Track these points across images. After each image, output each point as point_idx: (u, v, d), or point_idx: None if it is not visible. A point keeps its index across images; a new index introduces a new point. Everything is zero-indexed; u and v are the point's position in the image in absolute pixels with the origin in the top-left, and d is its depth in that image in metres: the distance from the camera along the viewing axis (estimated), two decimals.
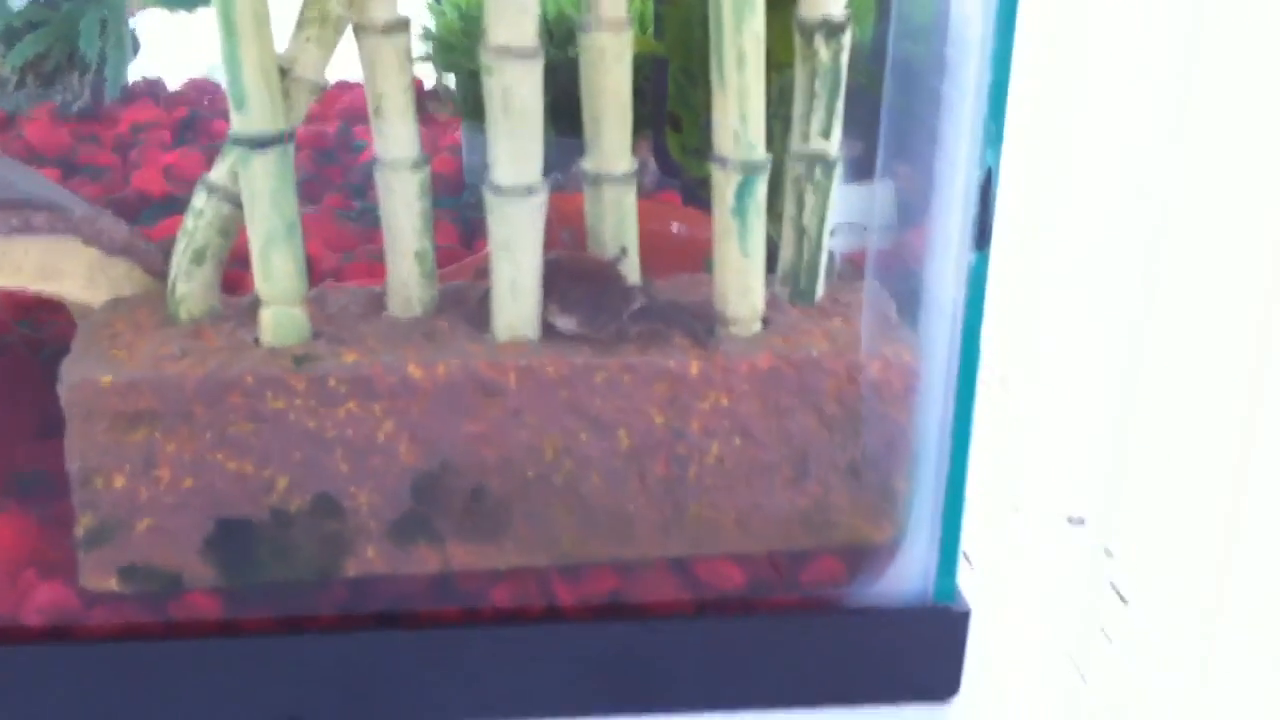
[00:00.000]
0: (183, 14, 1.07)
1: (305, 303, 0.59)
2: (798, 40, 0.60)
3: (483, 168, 0.60)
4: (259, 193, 0.58)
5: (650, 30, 0.83)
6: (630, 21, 0.59)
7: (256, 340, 0.59)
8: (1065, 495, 0.75)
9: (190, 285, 0.61)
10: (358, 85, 1.04)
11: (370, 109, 0.60)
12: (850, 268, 0.66)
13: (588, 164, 0.61)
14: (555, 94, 0.58)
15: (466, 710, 0.60)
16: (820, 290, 0.63)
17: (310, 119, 0.71)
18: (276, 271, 0.58)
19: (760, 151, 0.59)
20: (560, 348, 0.59)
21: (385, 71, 0.59)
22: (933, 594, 0.61)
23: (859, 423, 0.60)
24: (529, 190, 0.58)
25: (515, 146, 0.58)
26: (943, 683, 0.62)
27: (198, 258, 0.60)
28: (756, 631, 0.60)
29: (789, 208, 0.63)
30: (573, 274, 0.60)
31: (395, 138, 0.59)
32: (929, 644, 0.61)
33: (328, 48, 0.60)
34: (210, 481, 0.57)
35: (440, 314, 0.61)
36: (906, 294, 0.62)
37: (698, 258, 0.65)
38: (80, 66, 1.02)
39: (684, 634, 0.60)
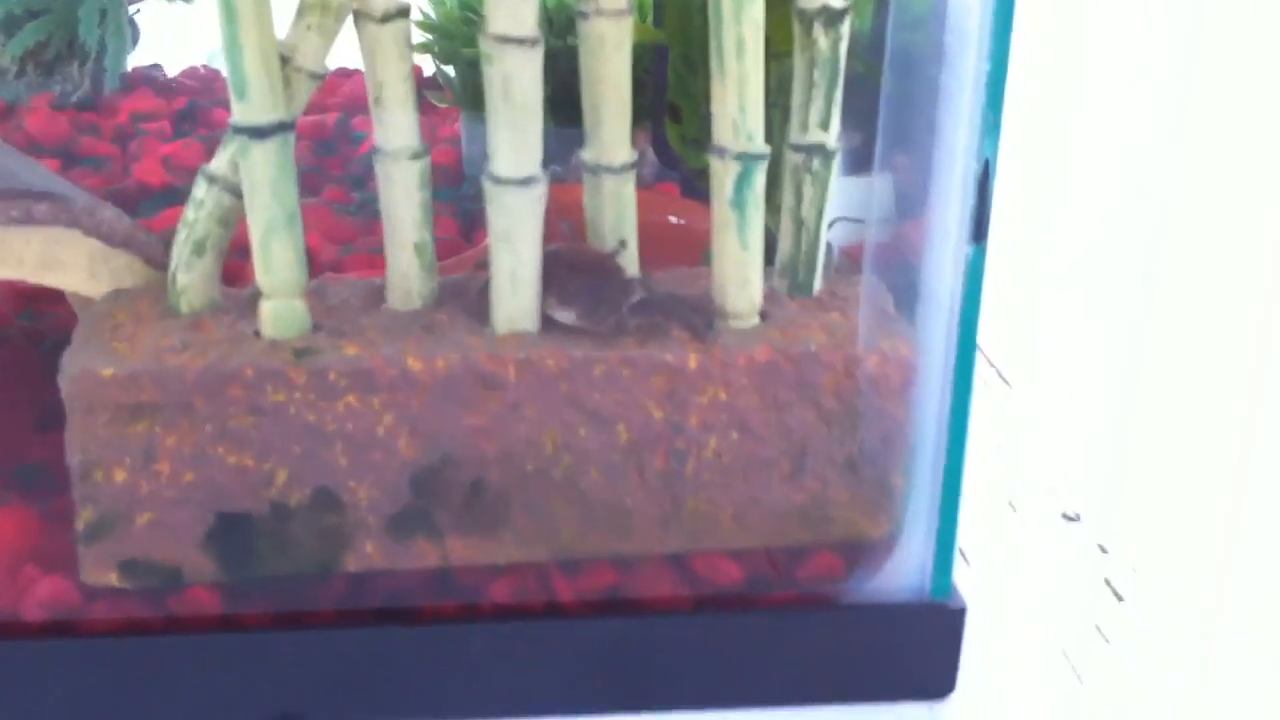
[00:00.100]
0: (180, 4, 1.06)
1: (305, 295, 0.60)
2: (796, 29, 0.60)
3: (482, 158, 0.59)
4: (259, 183, 0.58)
5: (650, 18, 0.82)
6: (630, 9, 0.59)
7: (257, 333, 0.59)
8: (1061, 492, 0.75)
9: (191, 277, 0.61)
10: (356, 72, 1.04)
11: (370, 98, 0.59)
12: (848, 261, 0.66)
13: (587, 155, 0.61)
14: (554, 84, 0.58)
15: (465, 705, 0.60)
16: (818, 283, 0.63)
17: (309, 109, 0.71)
18: (277, 263, 0.58)
19: (759, 142, 0.59)
20: (559, 340, 0.59)
21: (385, 60, 0.59)
22: (929, 590, 0.61)
23: (857, 417, 0.60)
24: (529, 181, 0.58)
25: (515, 136, 0.58)
26: (939, 680, 0.62)
27: (198, 249, 0.60)
28: (753, 627, 0.60)
29: (787, 199, 0.62)
30: (572, 266, 0.60)
31: (395, 127, 0.59)
32: (925, 641, 0.61)
33: (329, 36, 0.60)
34: (210, 475, 0.57)
35: (440, 306, 0.61)
36: (904, 287, 0.62)
37: (696, 250, 0.65)
38: (80, 56, 1.02)
39: (681, 629, 0.60)
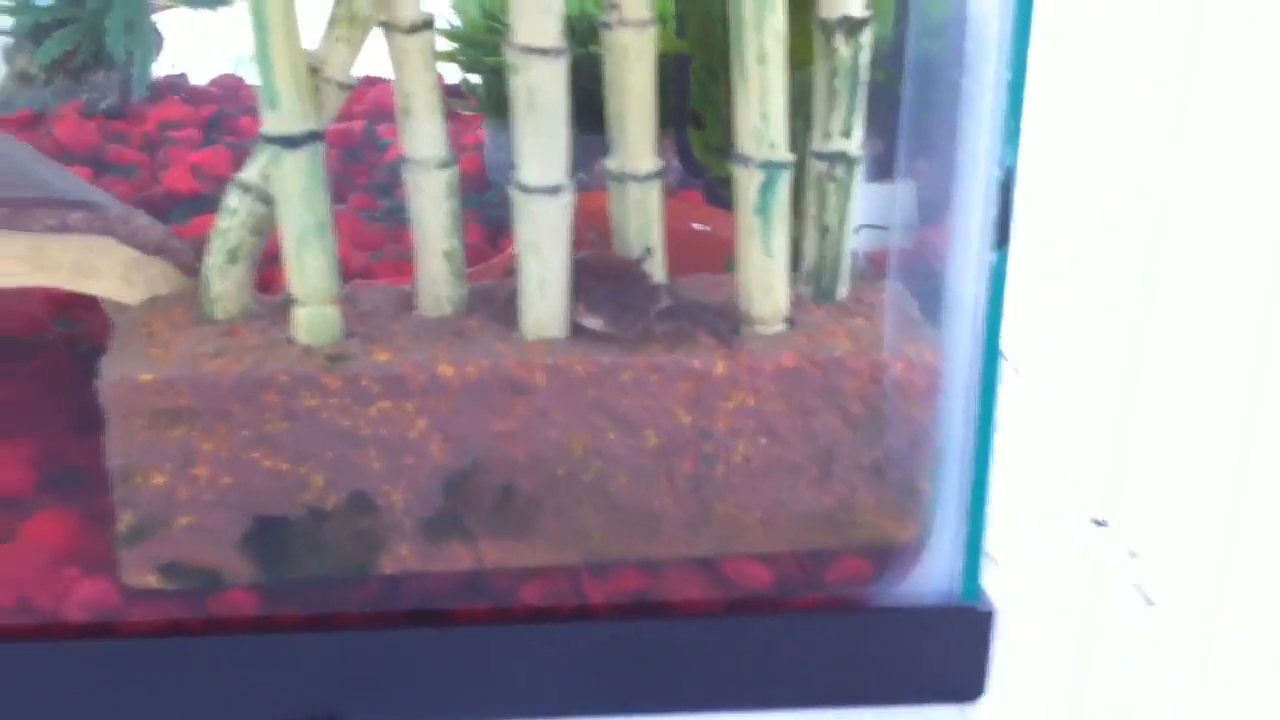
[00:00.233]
0: (204, 10, 1.07)
1: (338, 301, 0.60)
2: (818, 38, 0.61)
3: (506, 165, 0.60)
4: (291, 192, 0.58)
5: (672, 27, 0.83)
6: (654, 19, 0.59)
7: (290, 339, 0.60)
8: (1089, 497, 0.76)
9: (225, 284, 0.62)
10: (381, 81, 1.05)
11: (398, 108, 0.60)
12: (872, 267, 0.67)
13: (612, 163, 0.61)
14: (577, 92, 0.59)
15: (495, 705, 0.61)
16: (843, 289, 0.64)
17: (336, 117, 0.72)
18: (309, 270, 0.59)
19: (783, 150, 0.59)
20: (587, 346, 0.60)
21: (413, 70, 0.59)
22: (958, 594, 0.61)
23: (882, 422, 0.61)
24: (556, 189, 0.59)
25: (541, 145, 0.58)
26: (968, 683, 0.62)
27: (232, 257, 0.61)
28: (781, 631, 0.61)
29: (811, 207, 0.63)
30: (599, 273, 0.61)
31: (423, 136, 0.60)
32: (955, 644, 0.61)
33: (356, 47, 0.61)
34: (247, 479, 0.58)
35: (469, 313, 0.62)
36: (928, 292, 0.62)
37: (720, 257, 0.66)
38: (107, 64, 1.03)
39: (710, 632, 0.61)
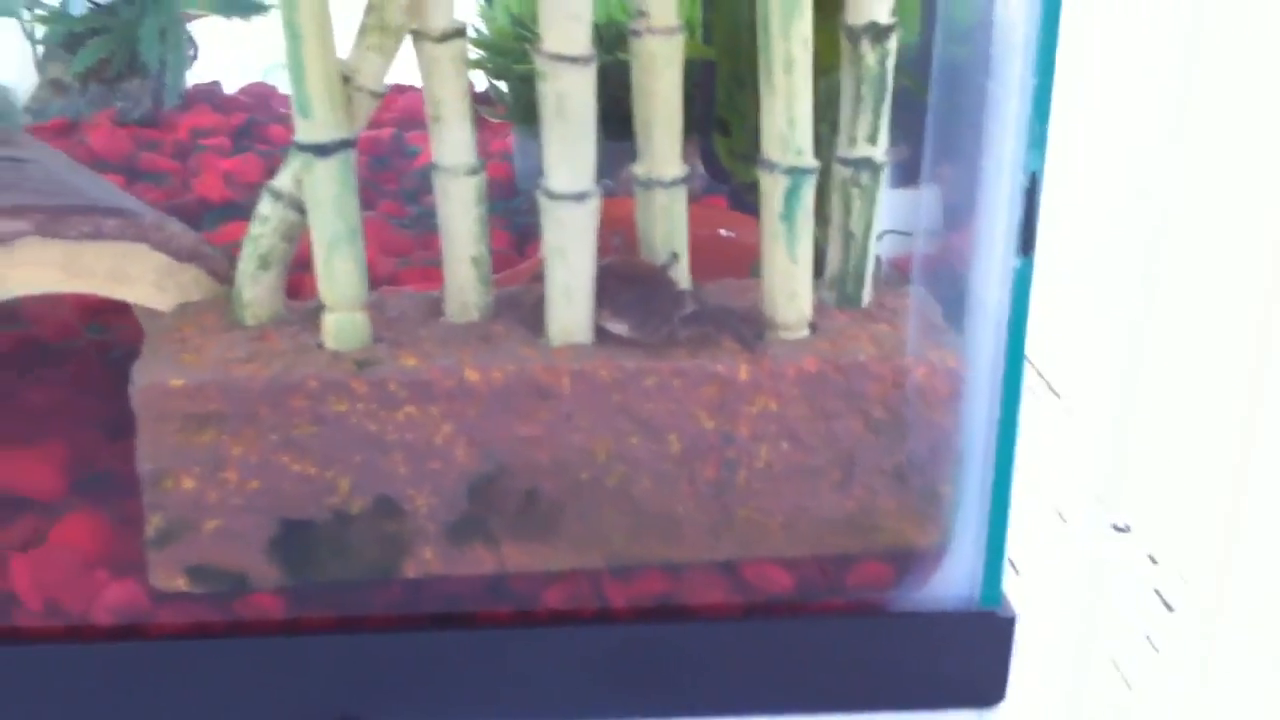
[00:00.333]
0: (238, 20, 1.08)
1: (366, 308, 0.61)
2: (844, 45, 0.61)
3: (534, 172, 0.60)
4: (322, 199, 0.59)
5: (699, 34, 0.83)
6: (681, 27, 0.59)
7: (320, 344, 0.61)
8: (1110, 502, 0.75)
9: (256, 290, 0.62)
10: (410, 88, 1.06)
11: (428, 115, 0.61)
12: (896, 272, 0.67)
13: (638, 169, 0.62)
14: (603, 98, 0.59)
15: (518, 707, 0.61)
16: (867, 295, 0.64)
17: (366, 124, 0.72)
18: (339, 277, 0.60)
19: (808, 156, 0.60)
20: (612, 352, 0.60)
21: (443, 78, 0.60)
22: (979, 599, 0.61)
23: (904, 427, 0.61)
24: (583, 195, 0.59)
25: (569, 152, 0.59)
26: (989, 689, 0.62)
27: (263, 263, 0.62)
28: (802, 635, 0.61)
29: (836, 213, 0.63)
30: (624, 279, 0.61)
31: (453, 143, 0.60)
32: (975, 649, 0.61)
33: (388, 55, 0.61)
34: (275, 483, 0.59)
35: (496, 318, 0.63)
36: (952, 298, 0.62)
37: (745, 262, 0.66)
38: (141, 72, 1.04)
39: (732, 636, 0.61)
